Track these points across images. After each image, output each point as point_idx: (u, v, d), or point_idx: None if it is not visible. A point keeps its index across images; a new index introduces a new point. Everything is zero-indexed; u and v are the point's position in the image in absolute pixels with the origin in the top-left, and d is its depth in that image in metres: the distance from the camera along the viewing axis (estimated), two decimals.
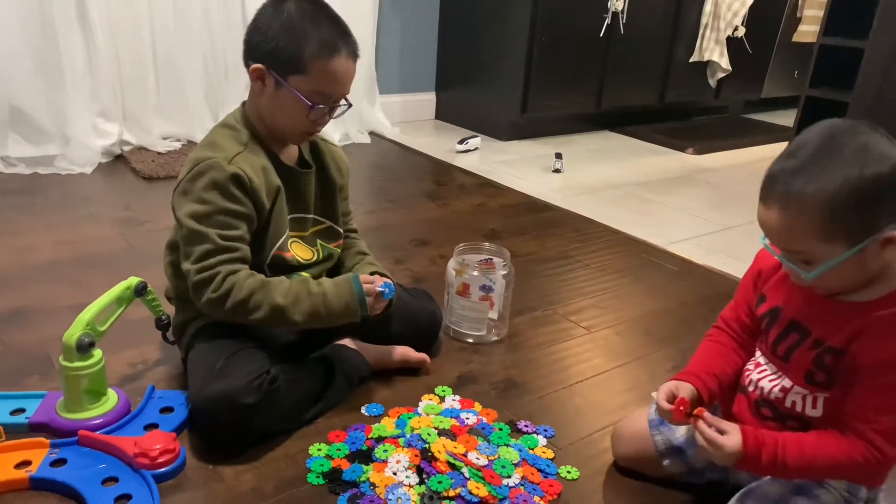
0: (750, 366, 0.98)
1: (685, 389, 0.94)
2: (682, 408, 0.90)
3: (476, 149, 2.97)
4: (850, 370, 0.84)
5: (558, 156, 2.79)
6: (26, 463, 0.99)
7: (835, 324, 0.85)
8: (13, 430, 1.06)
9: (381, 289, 1.16)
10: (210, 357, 1.09)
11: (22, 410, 1.10)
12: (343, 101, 1.17)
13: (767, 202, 0.81)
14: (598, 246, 2.04)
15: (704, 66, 3.69)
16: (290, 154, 1.24)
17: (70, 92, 2.24)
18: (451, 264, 1.44)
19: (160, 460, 1.00)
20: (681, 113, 3.83)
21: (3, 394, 1.13)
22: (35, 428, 1.07)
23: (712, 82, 3.75)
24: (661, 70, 3.52)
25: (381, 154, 2.87)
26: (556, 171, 2.74)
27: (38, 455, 1.00)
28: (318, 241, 1.27)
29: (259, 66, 1.12)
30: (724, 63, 3.64)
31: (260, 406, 1.04)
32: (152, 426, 1.09)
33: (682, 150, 3.25)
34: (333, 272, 1.30)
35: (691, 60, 3.59)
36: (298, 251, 1.23)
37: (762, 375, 0.94)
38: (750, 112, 4.23)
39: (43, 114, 2.25)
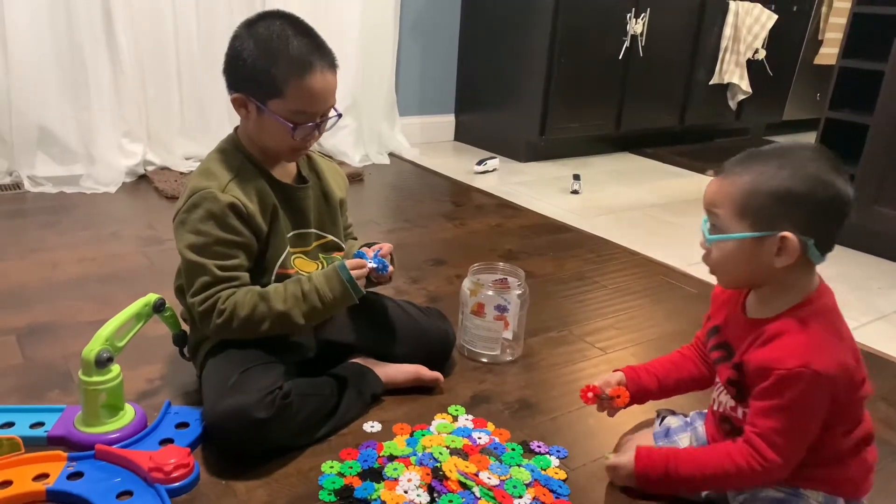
0: (714, 387, 1.04)
1: (615, 377, 1.12)
2: (590, 393, 1.10)
3: (494, 170, 2.98)
4: (750, 383, 0.89)
5: (576, 177, 2.79)
6: (44, 476, 1.01)
7: (743, 340, 0.92)
8: (32, 443, 1.07)
9: (372, 265, 1.20)
10: (223, 373, 1.10)
11: (41, 424, 1.12)
12: (332, 113, 1.18)
13: (716, 173, 0.94)
14: (616, 267, 2.04)
15: (725, 88, 3.68)
16: (288, 171, 1.25)
17: (97, 113, 2.30)
18: (466, 284, 1.44)
19: (174, 475, 1.01)
20: (701, 135, 3.82)
21: (24, 407, 1.15)
22: (53, 441, 1.09)
23: (733, 104, 3.74)
24: (681, 92, 3.52)
25: (399, 175, 2.90)
26: (575, 192, 2.75)
27: (56, 468, 1.02)
28: (321, 255, 1.28)
29: (238, 95, 1.13)
30: (745, 85, 3.64)
31: (272, 421, 1.05)
32: (167, 441, 1.10)
33: (703, 172, 3.24)
34: None
35: (711, 83, 3.58)
36: (302, 266, 1.23)
37: (718, 391, 1.00)
38: (771, 134, 4.20)
39: (70, 134, 2.31)
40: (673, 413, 1.12)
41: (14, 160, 2.26)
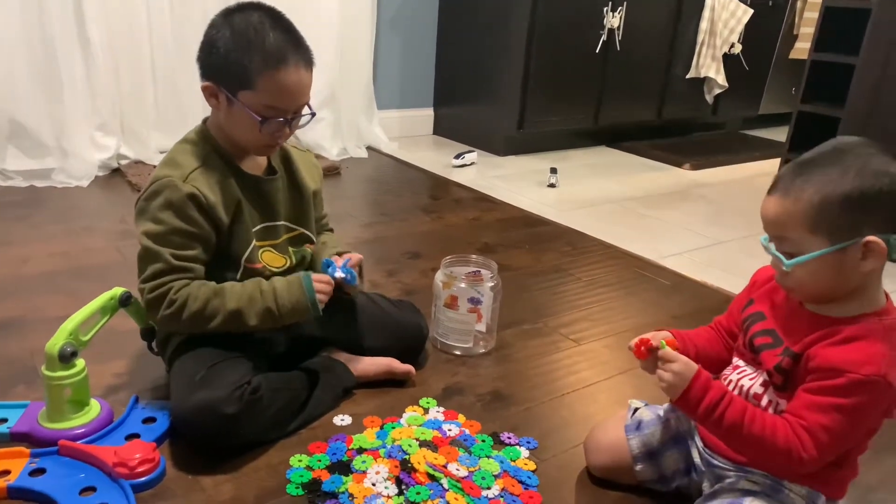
0: (727, 370, 1.01)
1: (661, 335, 0.99)
2: (643, 347, 0.95)
3: (473, 163, 2.98)
4: (802, 374, 0.87)
5: (553, 170, 2.80)
6: (5, 472, 0.99)
7: (804, 332, 0.88)
8: None
9: (340, 275, 1.19)
10: (192, 368, 1.09)
11: (4, 420, 1.10)
12: (305, 110, 1.16)
13: (770, 193, 0.88)
14: (591, 260, 2.05)
15: (702, 82, 3.71)
16: (258, 162, 1.23)
17: (69, 106, 2.27)
18: (439, 276, 1.44)
19: (139, 470, 1.00)
20: (679, 129, 3.84)
21: None
22: (16, 437, 1.08)
23: (709, 98, 3.76)
24: (659, 86, 3.54)
25: (378, 168, 2.89)
26: (552, 185, 2.75)
27: (18, 465, 1.01)
28: (290, 249, 1.26)
29: (209, 83, 1.12)
30: (721, 79, 3.66)
31: (242, 416, 1.04)
32: (134, 436, 1.09)
33: (679, 165, 3.26)
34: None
35: (688, 77, 3.60)
36: (269, 260, 1.22)
37: (741, 375, 0.97)
38: (748, 128, 4.24)
39: (42, 128, 2.27)
40: (646, 405, 1.12)
41: None
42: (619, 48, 3.22)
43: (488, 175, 2.88)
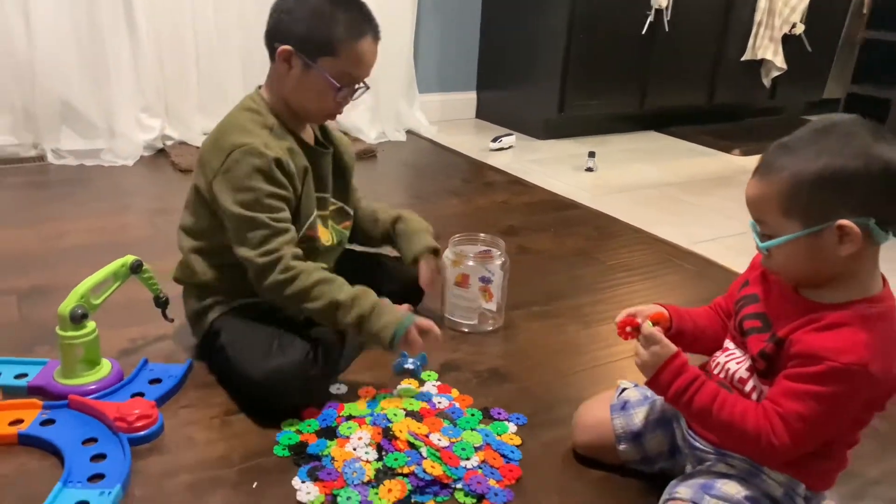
0: (718, 352, 0.98)
1: (649, 310, 0.98)
2: (628, 327, 0.94)
3: (510, 147, 2.97)
4: (784, 360, 0.84)
5: (591, 154, 2.75)
6: (19, 421, 1.07)
7: (792, 317, 0.85)
8: (13, 392, 1.14)
9: (410, 367, 1.26)
10: (259, 335, 1.14)
11: (25, 375, 1.18)
12: (361, 84, 1.21)
13: (754, 173, 0.85)
14: (618, 244, 2.02)
15: (758, 64, 3.56)
16: (309, 135, 1.28)
17: (116, 89, 2.39)
18: (447, 254, 1.46)
19: (137, 425, 1.06)
20: (732, 114, 3.70)
21: (11, 360, 1.22)
22: (33, 391, 1.16)
23: (766, 82, 3.61)
24: (710, 69, 3.42)
25: (414, 152, 2.91)
26: (589, 169, 2.71)
27: (31, 415, 1.08)
28: (331, 223, 1.31)
29: (287, 47, 1.14)
30: (779, 61, 3.51)
31: (318, 378, 1.14)
32: (139, 395, 1.16)
33: (729, 151, 3.15)
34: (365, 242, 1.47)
35: (743, 59, 3.47)
36: (322, 233, 1.27)
37: (729, 358, 0.95)
38: (811, 113, 4.04)
39: (92, 109, 2.40)
40: (635, 386, 1.11)
41: (39, 134, 2.36)
42: (667, 29, 3.13)
43: (525, 159, 2.86)
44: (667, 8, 3.09)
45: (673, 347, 0.89)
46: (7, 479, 0.99)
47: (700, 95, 3.47)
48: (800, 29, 3.53)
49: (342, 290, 1.14)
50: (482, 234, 1.51)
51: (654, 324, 0.94)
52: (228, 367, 1.15)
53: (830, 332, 0.81)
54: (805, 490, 0.89)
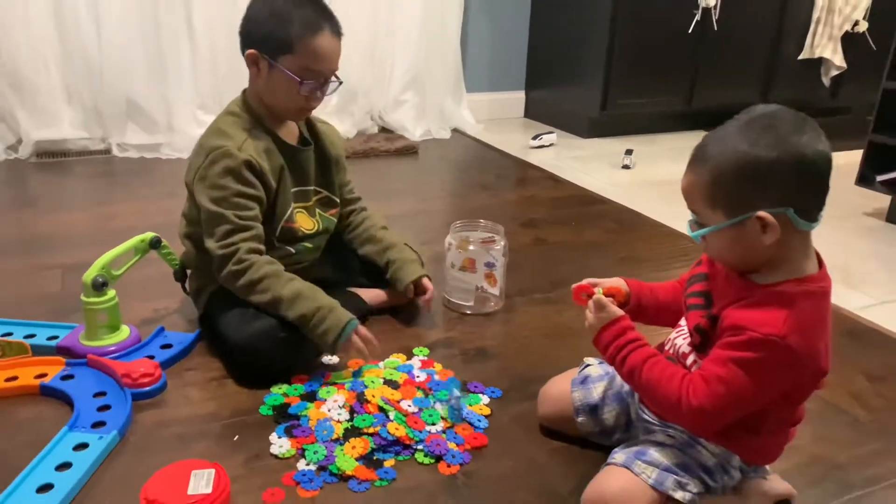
0: (672, 332, 1.01)
1: (609, 282, 1.03)
2: (582, 294, 1.00)
3: (551, 144, 3.00)
4: (718, 336, 0.86)
5: (628, 152, 2.76)
6: (43, 375, 1.21)
7: (729, 297, 0.88)
8: (43, 351, 1.29)
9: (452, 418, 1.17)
10: (241, 305, 1.24)
11: (55, 337, 1.33)
12: (333, 79, 1.29)
13: (687, 164, 0.88)
14: (635, 237, 2.03)
15: (817, 63, 3.45)
16: (291, 133, 1.38)
17: (174, 87, 2.58)
18: (449, 240, 1.52)
19: (140, 381, 1.18)
20: None
21: (46, 323, 1.37)
22: (60, 351, 1.30)
23: (826, 81, 3.49)
24: (764, 68, 3.34)
25: (456, 149, 2.98)
26: (626, 167, 2.72)
27: (54, 370, 1.22)
28: (318, 211, 1.41)
29: (252, 51, 1.26)
30: (839, 60, 3.38)
31: (292, 339, 1.21)
32: (150, 357, 1.28)
33: None
34: (343, 245, 1.50)
35: (800, 58, 3.37)
36: (302, 221, 1.37)
37: (678, 334, 0.99)
38: None
39: (153, 106, 2.61)
40: (599, 363, 1.14)
41: (107, 129, 2.58)
42: (716, 28, 3.08)
43: (565, 156, 2.89)
44: (715, 7, 3.04)
45: (619, 313, 0.95)
46: (25, 423, 1.13)
47: (753, 94, 3.38)
48: (863, 27, 3.40)
49: (287, 286, 1.21)
50: (482, 221, 1.57)
51: (610, 296, 0.99)
52: (218, 337, 1.27)
53: (756, 308, 0.83)
54: (740, 463, 0.91)
